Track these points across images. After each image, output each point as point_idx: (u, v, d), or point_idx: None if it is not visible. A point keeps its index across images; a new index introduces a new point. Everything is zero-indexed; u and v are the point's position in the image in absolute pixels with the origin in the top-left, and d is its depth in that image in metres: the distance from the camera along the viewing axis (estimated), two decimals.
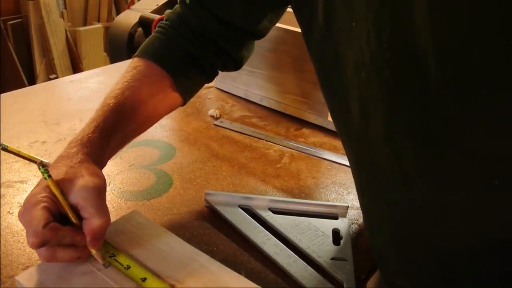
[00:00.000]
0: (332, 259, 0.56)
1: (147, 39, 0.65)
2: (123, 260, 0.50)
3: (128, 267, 0.49)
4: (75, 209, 0.47)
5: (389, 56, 0.38)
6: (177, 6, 0.66)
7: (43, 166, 0.45)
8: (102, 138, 0.54)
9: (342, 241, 0.60)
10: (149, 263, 0.50)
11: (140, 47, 0.64)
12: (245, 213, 0.63)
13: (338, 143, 0.84)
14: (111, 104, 0.57)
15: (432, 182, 0.40)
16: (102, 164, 0.55)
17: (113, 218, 0.62)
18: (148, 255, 0.51)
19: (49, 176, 0.46)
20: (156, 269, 0.49)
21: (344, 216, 0.65)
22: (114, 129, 0.56)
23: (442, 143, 0.37)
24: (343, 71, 0.44)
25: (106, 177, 0.70)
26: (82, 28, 2.53)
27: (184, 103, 0.66)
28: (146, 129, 0.63)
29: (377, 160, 0.44)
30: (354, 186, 0.72)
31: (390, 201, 0.45)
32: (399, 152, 0.41)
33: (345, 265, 0.56)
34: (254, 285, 0.49)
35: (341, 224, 0.63)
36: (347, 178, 0.75)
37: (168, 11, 0.66)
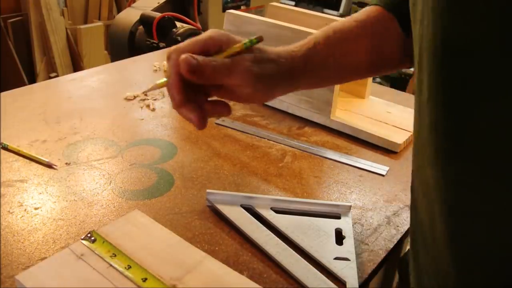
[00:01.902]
0: (335, 258, 0.56)
1: None
2: (124, 260, 0.49)
3: (129, 267, 0.48)
4: None
5: None
6: None
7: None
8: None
9: (345, 241, 0.59)
10: (150, 263, 0.49)
11: None
12: (247, 213, 0.62)
13: (340, 142, 0.84)
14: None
15: None
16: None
17: (113, 217, 0.62)
18: (149, 255, 0.51)
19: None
20: (157, 269, 0.49)
21: (347, 215, 0.64)
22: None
23: None
24: None
25: (106, 176, 0.70)
26: (82, 26, 2.53)
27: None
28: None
29: None
30: (357, 186, 0.72)
31: None
32: None
33: (348, 264, 0.55)
34: (255, 285, 0.49)
35: (344, 224, 0.62)
36: (350, 177, 0.74)
37: None
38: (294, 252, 0.56)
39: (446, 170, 0.38)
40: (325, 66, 0.57)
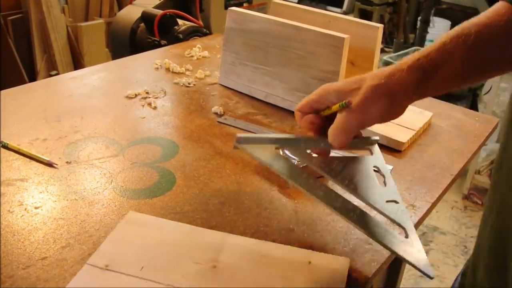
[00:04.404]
0: (387, 201, 0.55)
1: None
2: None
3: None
4: None
5: None
6: None
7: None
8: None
9: (386, 181, 0.58)
10: (179, 254, 0.49)
11: None
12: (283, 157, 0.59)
13: None
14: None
15: None
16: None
17: (114, 217, 0.61)
18: (171, 247, 0.50)
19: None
20: (188, 258, 0.49)
21: (376, 150, 0.62)
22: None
23: None
24: None
25: (107, 175, 0.70)
26: (83, 24, 2.52)
27: None
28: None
29: None
30: None
31: None
32: None
33: (399, 208, 0.54)
34: (285, 246, 0.51)
35: (378, 161, 0.60)
36: None
37: None
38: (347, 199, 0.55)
39: None
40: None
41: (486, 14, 0.56)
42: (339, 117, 0.53)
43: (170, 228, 0.56)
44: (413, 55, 0.55)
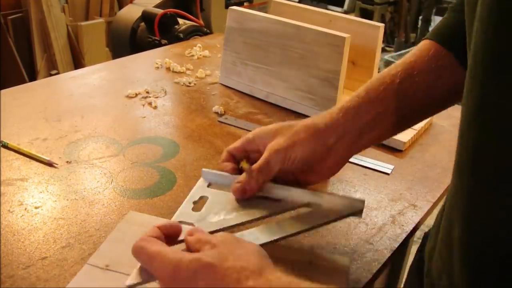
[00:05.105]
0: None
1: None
2: None
3: None
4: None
5: None
6: None
7: None
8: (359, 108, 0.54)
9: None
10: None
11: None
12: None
13: None
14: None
15: None
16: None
17: (115, 217, 0.61)
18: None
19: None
20: None
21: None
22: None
23: None
24: None
25: (108, 175, 0.69)
26: (83, 23, 2.52)
27: None
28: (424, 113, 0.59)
29: None
30: (361, 184, 0.71)
31: None
32: None
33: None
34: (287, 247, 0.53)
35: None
36: (354, 175, 0.73)
37: None
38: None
39: None
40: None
41: (413, 54, 0.56)
42: (264, 153, 0.53)
43: None
44: (351, 99, 0.55)
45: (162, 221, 0.48)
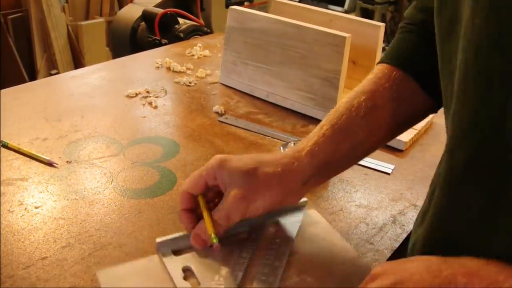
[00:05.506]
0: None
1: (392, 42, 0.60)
2: None
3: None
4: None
5: None
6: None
7: None
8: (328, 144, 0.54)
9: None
10: None
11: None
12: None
13: None
14: (340, 109, 0.55)
15: None
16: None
17: (115, 216, 0.61)
18: None
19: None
20: None
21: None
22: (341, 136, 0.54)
23: None
24: None
25: (108, 174, 0.69)
26: (84, 23, 2.52)
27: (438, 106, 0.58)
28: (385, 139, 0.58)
29: None
30: (361, 184, 0.71)
31: None
32: None
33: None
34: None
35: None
36: (355, 175, 0.73)
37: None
38: None
39: None
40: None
41: (373, 82, 0.56)
42: (224, 201, 0.51)
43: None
44: (312, 137, 0.54)
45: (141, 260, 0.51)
